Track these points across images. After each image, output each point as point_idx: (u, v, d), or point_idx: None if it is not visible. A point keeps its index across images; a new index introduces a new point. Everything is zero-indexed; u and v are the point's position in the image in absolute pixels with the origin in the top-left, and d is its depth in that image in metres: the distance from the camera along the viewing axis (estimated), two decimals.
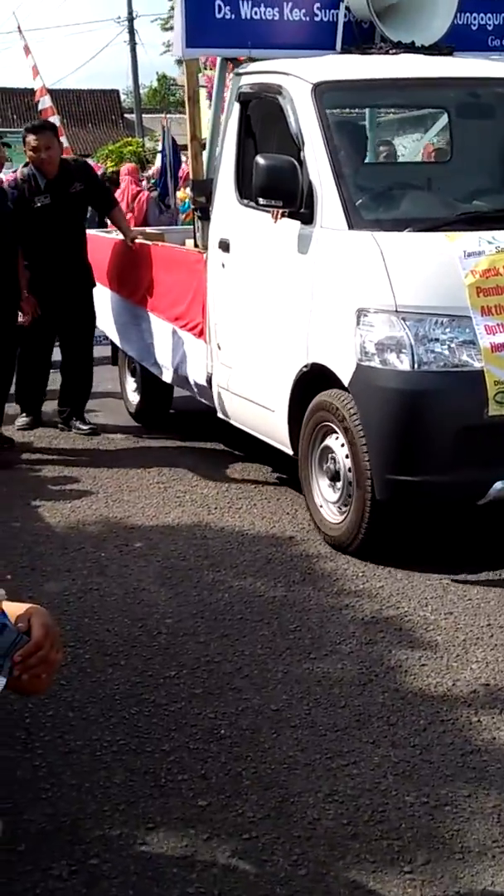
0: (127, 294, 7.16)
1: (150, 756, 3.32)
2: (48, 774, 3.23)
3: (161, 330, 6.63)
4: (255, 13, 5.82)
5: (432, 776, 3.19)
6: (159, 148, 25.26)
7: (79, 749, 3.36)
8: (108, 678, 3.83)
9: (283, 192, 4.94)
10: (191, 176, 6.25)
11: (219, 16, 5.73)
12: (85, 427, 7.17)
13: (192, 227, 6.85)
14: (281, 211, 5.10)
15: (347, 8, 5.90)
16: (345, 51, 5.85)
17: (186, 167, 14.53)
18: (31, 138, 6.74)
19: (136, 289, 6.97)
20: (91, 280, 7.15)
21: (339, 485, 4.92)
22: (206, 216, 6.04)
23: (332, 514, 5.00)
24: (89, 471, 6.36)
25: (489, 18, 6.29)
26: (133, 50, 38.85)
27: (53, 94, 22.94)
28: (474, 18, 6.23)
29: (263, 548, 5.09)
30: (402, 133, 8.30)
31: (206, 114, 13.14)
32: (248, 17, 5.80)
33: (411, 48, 5.65)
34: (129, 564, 4.92)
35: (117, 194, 11.13)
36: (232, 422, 6.06)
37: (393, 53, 5.60)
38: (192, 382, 6.36)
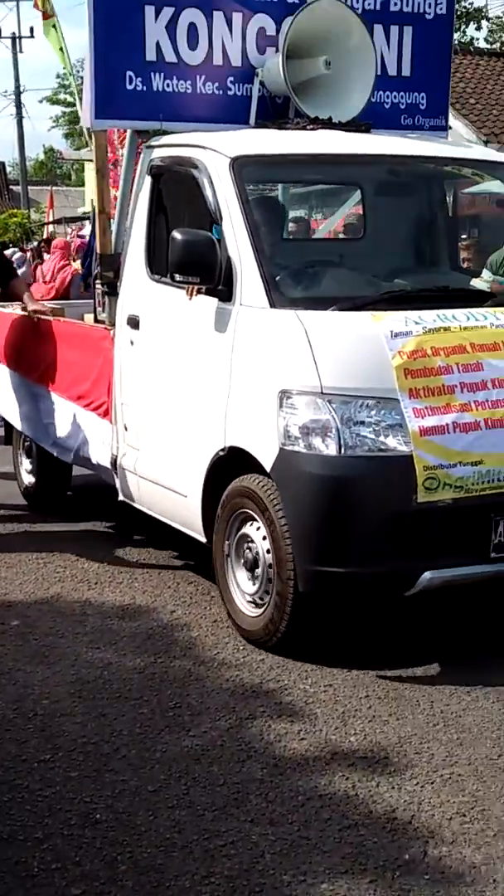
0: (24, 371, 6.86)
1: (21, 845, 3.22)
2: None
3: (62, 409, 6.36)
4: (168, 85, 5.65)
5: (310, 853, 3.18)
6: (45, 219, 25.12)
7: None
8: None
9: (201, 269, 4.72)
10: (98, 250, 6.00)
11: (129, 87, 5.55)
12: None
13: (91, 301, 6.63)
14: (196, 288, 4.89)
15: (262, 83, 5.79)
16: (259, 125, 5.71)
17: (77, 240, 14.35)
18: None
19: (35, 366, 6.67)
20: None
21: (257, 575, 4.63)
22: (113, 292, 5.79)
23: (248, 607, 4.71)
24: None
25: (402, 97, 6.26)
26: (20, 123, 38.92)
27: None
28: (387, 97, 6.19)
29: (144, 623, 5.02)
30: (316, 208, 8.21)
31: (92, 188, 13.23)
32: (160, 89, 5.63)
33: (329, 124, 5.54)
34: (4, 643, 4.80)
35: (45, 266, 11.04)
36: (137, 505, 5.75)
37: (311, 129, 5.47)
38: (95, 464, 6.09)
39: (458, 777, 3.65)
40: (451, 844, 3.25)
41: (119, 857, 3.16)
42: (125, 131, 11.20)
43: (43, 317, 6.53)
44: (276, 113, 5.84)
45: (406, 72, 6.24)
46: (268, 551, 4.51)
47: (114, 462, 5.80)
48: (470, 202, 9.41)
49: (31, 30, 35.67)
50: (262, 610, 4.59)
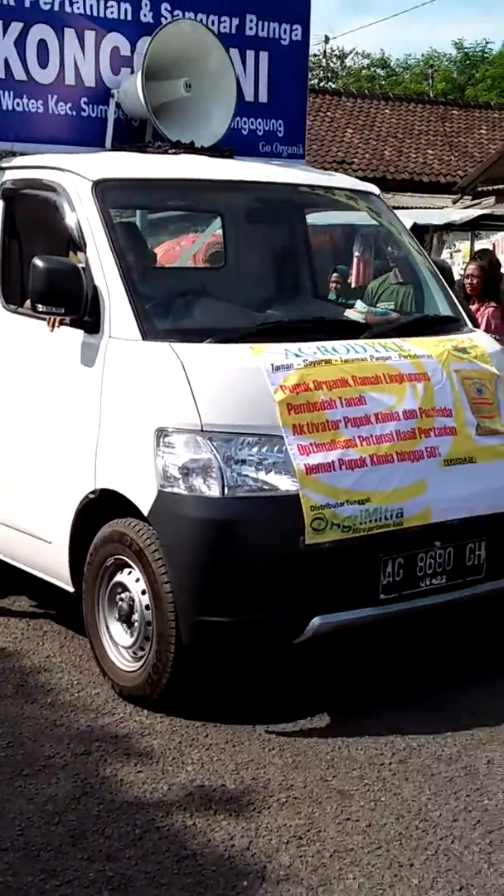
0: None
1: None
2: None
3: None
4: (18, 104, 5.31)
5: (148, 886, 3.16)
6: None
7: None
8: None
9: (65, 299, 4.39)
10: None
11: None
12: None
13: None
14: (59, 319, 4.55)
15: (118, 104, 5.51)
16: (116, 148, 5.42)
17: None
18: None
19: None
20: None
21: (134, 626, 4.31)
22: None
23: (124, 660, 4.38)
24: None
25: (259, 123, 6.08)
26: None
27: None
28: (245, 123, 6.00)
29: None
30: (176, 233, 7.92)
31: None
32: (10, 108, 5.30)
33: (191, 149, 5.30)
34: None
35: None
36: None
37: (173, 153, 5.22)
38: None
39: (293, 800, 3.66)
40: (288, 868, 3.27)
41: None
42: None
43: None
44: (133, 136, 5.58)
45: (263, 98, 6.07)
46: (145, 599, 4.20)
47: None
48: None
49: None
50: (140, 664, 4.27)
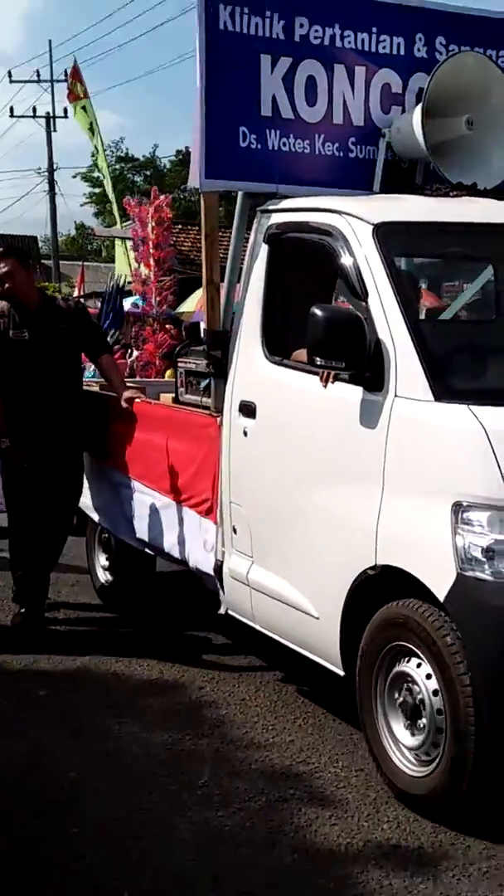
0: (104, 456, 6.11)
1: None
2: None
3: (151, 503, 5.62)
4: (284, 144, 4.97)
5: None
6: (76, 293, 24.82)
7: None
8: (4, 833, 3.67)
9: (347, 352, 3.94)
10: (204, 326, 5.23)
11: (243, 145, 4.87)
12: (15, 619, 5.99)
13: (171, 380, 6.11)
14: (333, 374, 4.12)
15: (388, 144, 5.10)
16: (387, 192, 5.01)
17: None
18: None
19: (117, 451, 5.93)
20: (80, 441, 6.00)
21: (420, 726, 3.80)
22: (220, 373, 5.05)
23: (408, 763, 3.87)
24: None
25: None
26: (52, 199, 38.89)
27: None
28: None
29: (171, 698, 4.96)
30: (443, 282, 7.42)
31: (121, 264, 12.52)
32: (276, 147, 4.95)
33: (473, 190, 4.82)
34: (31, 713, 4.79)
35: None
36: (247, 622, 4.93)
37: (454, 195, 4.76)
38: (192, 568, 5.36)
39: (496, 869, 3.47)
40: None
41: None
42: (158, 208, 10.88)
43: (140, 401, 5.80)
44: (402, 179, 5.16)
45: None
46: (436, 699, 3.68)
47: (217, 569, 5.02)
48: None
49: (65, 110, 35.78)
50: (428, 769, 3.75)
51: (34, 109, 38.89)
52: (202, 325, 19.78)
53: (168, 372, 12.16)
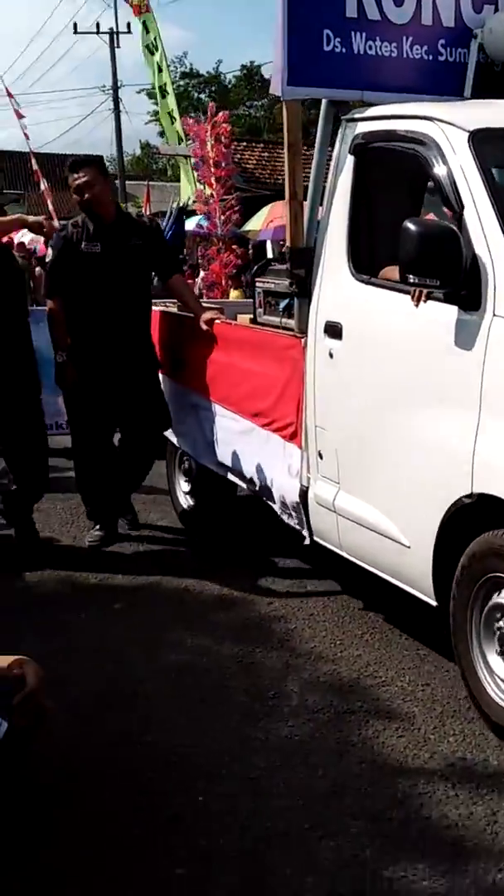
0: (184, 379, 5.98)
1: (123, 822, 3.25)
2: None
3: (233, 427, 5.47)
4: (370, 48, 4.73)
5: (411, 850, 3.12)
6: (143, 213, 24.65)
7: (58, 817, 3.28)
8: (82, 742, 3.77)
9: (441, 269, 3.72)
10: (288, 243, 5.00)
11: (327, 49, 4.64)
12: (93, 539, 6.01)
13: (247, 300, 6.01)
14: (426, 292, 3.90)
15: (481, 46, 4.84)
16: (479, 97, 4.79)
17: None
18: (70, 179, 5.66)
19: (197, 374, 5.78)
20: (155, 359, 5.96)
21: None
22: (304, 293, 4.83)
23: None
24: (69, 530, 6.38)
25: None
26: (117, 118, 38.41)
27: (39, 157, 22.21)
28: None
29: (241, 612, 5.06)
30: None
31: (185, 188, 12.32)
32: (361, 51, 4.72)
33: None
34: (107, 626, 4.90)
35: None
36: (335, 549, 4.79)
37: None
38: (275, 495, 5.14)
39: None
40: None
41: (223, 842, 3.17)
42: (215, 125, 10.61)
43: (220, 322, 5.62)
44: (494, 83, 4.90)
45: None
46: None
47: (303, 495, 4.87)
48: None
49: (129, 25, 35.23)
50: None
51: (97, 25, 38.42)
52: (269, 244, 19.63)
53: (234, 293, 12.04)
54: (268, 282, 5.34)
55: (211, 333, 5.60)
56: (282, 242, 15.80)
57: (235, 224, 11.45)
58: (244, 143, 29.42)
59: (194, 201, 11.50)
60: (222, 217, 11.10)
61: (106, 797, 3.42)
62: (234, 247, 11.32)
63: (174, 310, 6.24)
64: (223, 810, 3.34)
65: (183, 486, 6.43)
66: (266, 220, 17.51)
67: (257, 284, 5.43)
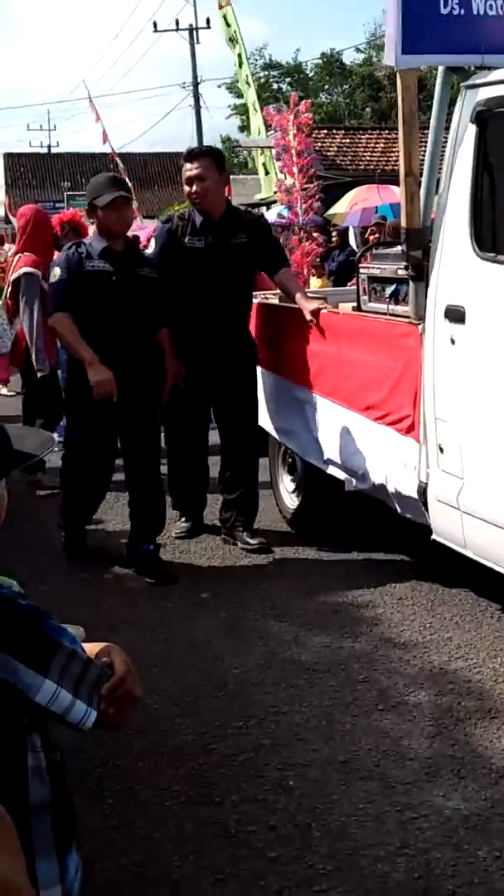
0: (287, 373, 5.75)
1: (218, 806, 3.30)
2: (118, 824, 3.23)
3: (342, 421, 5.20)
4: (490, 8, 4.38)
5: None
6: None
7: (148, 799, 3.36)
8: (176, 728, 3.83)
9: None
10: (403, 224, 4.69)
11: (444, 11, 4.33)
12: (254, 542, 5.77)
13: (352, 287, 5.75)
14: None
15: None
16: None
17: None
18: (184, 167, 5.48)
19: (302, 367, 5.53)
20: (255, 356, 5.80)
21: None
22: (420, 276, 4.55)
23: None
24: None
25: None
26: (198, 114, 38.57)
27: (121, 157, 22.42)
28: None
29: (328, 599, 5.05)
30: None
31: (264, 181, 12.06)
32: (482, 12, 4.37)
33: None
34: (195, 615, 4.94)
35: None
36: (456, 547, 4.53)
37: None
38: (391, 492, 4.87)
39: None
40: None
41: (313, 825, 3.18)
42: (297, 115, 10.53)
43: (327, 312, 5.32)
44: None
45: None
46: None
47: (422, 491, 4.60)
48: None
49: (208, 20, 35.34)
50: None
51: (177, 22, 38.56)
52: (350, 230, 19.43)
53: (316, 281, 12.01)
54: (372, 267, 5.11)
55: (317, 324, 5.33)
56: (363, 228, 15.73)
57: (316, 212, 11.43)
58: (325, 131, 29.31)
59: (275, 191, 11.52)
60: (304, 206, 11.10)
61: (200, 783, 3.46)
62: (315, 235, 11.30)
63: (274, 301, 6.04)
64: (314, 792, 3.36)
65: (287, 484, 6.19)
66: (350, 204, 17.47)
67: (361, 270, 5.20)
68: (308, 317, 5.33)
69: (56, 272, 5.38)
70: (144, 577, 5.38)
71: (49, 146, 54.74)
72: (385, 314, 4.90)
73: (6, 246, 13.64)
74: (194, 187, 5.46)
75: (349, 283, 9.36)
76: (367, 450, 5.01)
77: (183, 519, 6.07)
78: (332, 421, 5.31)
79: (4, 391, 11.74)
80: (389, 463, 4.81)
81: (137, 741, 3.70)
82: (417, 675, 4.18)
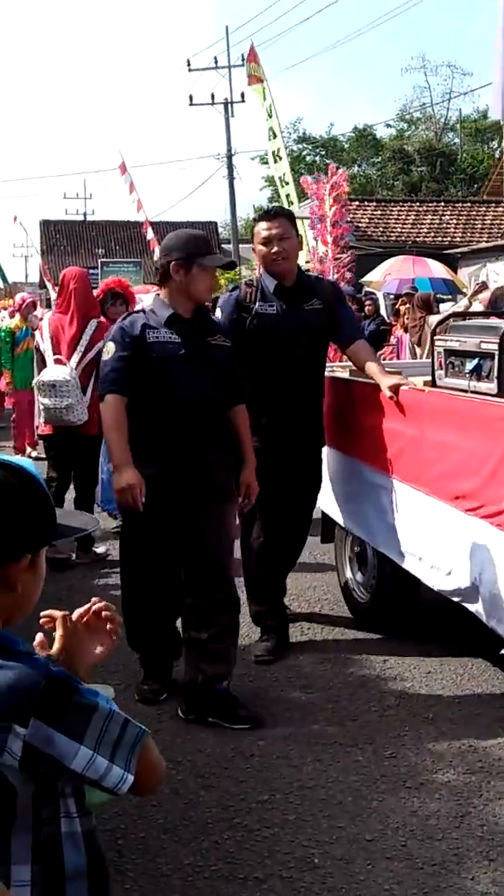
0: (359, 454, 5.23)
1: (242, 883, 3.26)
2: None
3: (424, 510, 4.61)
4: None
5: None
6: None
7: (170, 873, 3.31)
8: (199, 800, 3.78)
9: None
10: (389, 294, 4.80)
11: None
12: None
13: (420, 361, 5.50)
14: None
15: None
16: None
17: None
18: (260, 227, 5.04)
19: (375, 446, 5.00)
20: (323, 436, 5.30)
21: None
22: None
23: None
24: None
25: None
26: (231, 184, 39.08)
27: (155, 226, 22.71)
28: None
29: (356, 671, 4.97)
30: None
31: (304, 251, 12.22)
32: None
33: None
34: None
35: None
36: None
37: None
38: (482, 596, 4.23)
39: None
40: None
41: None
42: (335, 185, 10.58)
43: (408, 389, 4.82)
44: None
45: None
46: None
47: None
48: None
49: (242, 95, 35.92)
50: None
51: (212, 96, 39.21)
52: (381, 297, 19.46)
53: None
54: (450, 339, 4.74)
55: (396, 402, 4.80)
56: (395, 297, 15.82)
57: (348, 282, 11.51)
58: (357, 202, 29.76)
59: (307, 260, 11.61)
60: (336, 275, 11.18)
61: (223, 858, 3.41)
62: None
63: (344, 374, 5.58)
64: (339, 871, 3.31)
65: (356, 576, 5.67)
66: (384, 273, 17.70)
67: (437, 343, 4.81)
68: (387, 393, 4.80)
69: (110, 347, 4.49)
70: (223, 723, 4.42)
71: (85, 213, 55.68)
72: (465, 391, 4.49)
73: (39, 310, 13.76)
74: (274, 247, 4.98)
75: (380, 353, 9.36)
76: (454, 545, 4.36)
77: (264, 637, 5.32)
78: (412, 510, 4.73)
79: (34, 455, 11.78)
80: (482, 562, 4.18)
81: (160, 813, 3.66)
82: (445, 752, 4.10)
